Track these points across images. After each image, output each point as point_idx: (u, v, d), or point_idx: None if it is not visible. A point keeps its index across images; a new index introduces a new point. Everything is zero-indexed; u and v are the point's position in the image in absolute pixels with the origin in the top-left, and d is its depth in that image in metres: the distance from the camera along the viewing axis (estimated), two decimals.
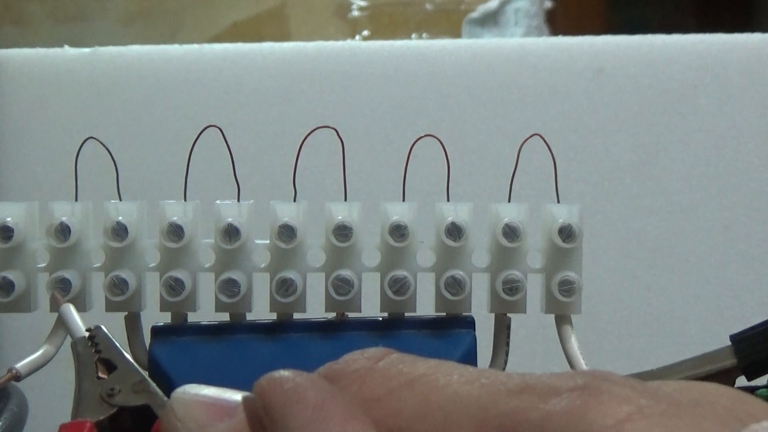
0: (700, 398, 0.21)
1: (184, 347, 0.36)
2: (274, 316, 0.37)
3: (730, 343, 0.39)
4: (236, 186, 0.37)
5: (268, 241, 0.36)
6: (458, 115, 0.77)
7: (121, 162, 0.38)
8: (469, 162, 0.76)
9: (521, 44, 0.79)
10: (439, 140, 0.37)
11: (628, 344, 0.75)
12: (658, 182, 0.76)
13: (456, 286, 0.36)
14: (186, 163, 0.37)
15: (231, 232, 0.36)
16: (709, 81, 0.76)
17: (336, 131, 0.36)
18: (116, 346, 0.33)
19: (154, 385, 0.32)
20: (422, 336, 0.37)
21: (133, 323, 0.37)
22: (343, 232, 0.36)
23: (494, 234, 0.36)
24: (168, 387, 0.33)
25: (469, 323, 0.37)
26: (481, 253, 0.37)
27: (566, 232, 0.36)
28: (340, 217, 0.36)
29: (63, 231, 0.36)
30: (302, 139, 0.36)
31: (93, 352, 0.33)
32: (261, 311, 0.37)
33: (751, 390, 0.38)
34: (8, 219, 0.36)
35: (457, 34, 1.03)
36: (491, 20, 1.02)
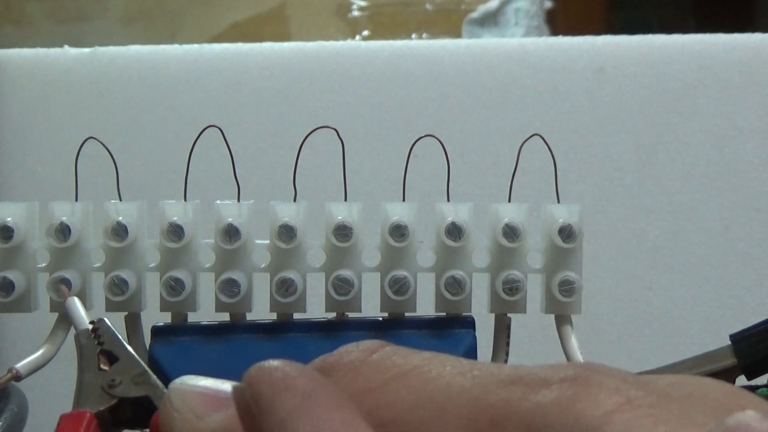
0: (693, 392, 0.21)
1: (184, 347, 0.36)
2: (274, 316, 0.37)
3: (730, 342, 0.39)
4: (236, 186, 0.37)
5: (268, 241, 0.36)
6: (458, 115, 0.77)
7: (121, 162, 0.38)
8: (469, 162, 0.76)
9: (521, 44, 0.79)
10: (439, 140, 0.37)
11: (628, 344, 0.75)
12: (658, 182, 0.76)
13: (456, 286, 0.36)
14: (186, 163, 0.37)
15: (231, 232, 0.36)
16: (709, 81, 0.76)
17: (336, 131, 0.36)
18: (119, 338, 0.33)
19: (154, 377, 0.32)
20: (422, 336, 0.37)
21: (133, 323, 0.37)
22: (343, 232, 0.36)
23: (494, 234, 0.36)
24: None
25: (469, 323, 0.37)
26: (481, 253, 0.37)
27: (566, 232, 0.36)
28: (340, 217, 0.36)
29: (63, 231, 0.36)
30: (302, 139, 0.36)
31: (96, 344, 0.33)
32: (261, 311, 0.37)
33: (751, 389, 0.38)
34: (8, 219, 0.36)
35: (457, 34, 1.03)
36: (491, 20, 1.02)
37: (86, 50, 0.80)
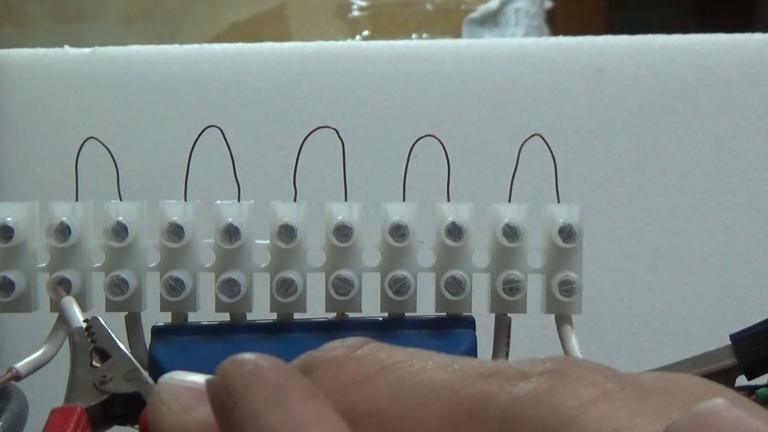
0: (671, 387, 0.21)
1: (185, 347, 0.36)
2: (274, 316, 0.37)
3: (730, 342, 0.39)
4: (236, 186, 0.37)
5: (268, 241, 0.36)
6: (458, 115, 0.77)
7: (121, 162, 0.38)
8: (469, 162, 0.76)
9: (521, 44, 0.79)
10: (439, 140, 0.37)
11: (628, 344, 0.75)
12: (658, 182, 0.76)
13: (456, 286, 0.36)
14: (186, 163, 0.37)
15: (231, 232, 0.36)
16: (709, 81, 0.76)
17: (336, 131, 0.36)
18: (111, 336, 0.33)
19: (145, 373, 0.32)
20: (422, 336, 0.37)
21: (133, 323, 0.37)
22: (343, 232, 0.36)
23: (494, 234, 0.36)
24: None
25: (470, 323, 0.37)
26: (482, 253, 0.37)
27: (566, 232, 0.36)
28: (340, 217, 0.36)
29: (63, 231, 0.36)
30: (302, 139, 0.36)
31: (89, 341, 0.33)
32: (261, 311, 0.37)
33: (751, 389, 0.38)
34: (8, 219, 0.36)
35: (457, 34, 1.03)
36: (491, 20, 1.02)
37: (86, 50, 0.80)
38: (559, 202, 0.37)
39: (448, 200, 0.37)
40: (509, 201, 0.37)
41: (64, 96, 0.80)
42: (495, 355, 0.37)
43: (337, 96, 0.78)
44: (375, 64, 0.78)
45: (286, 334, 0.36)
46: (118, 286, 0.36)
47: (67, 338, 0.34)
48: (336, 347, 0.23)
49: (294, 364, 0.23)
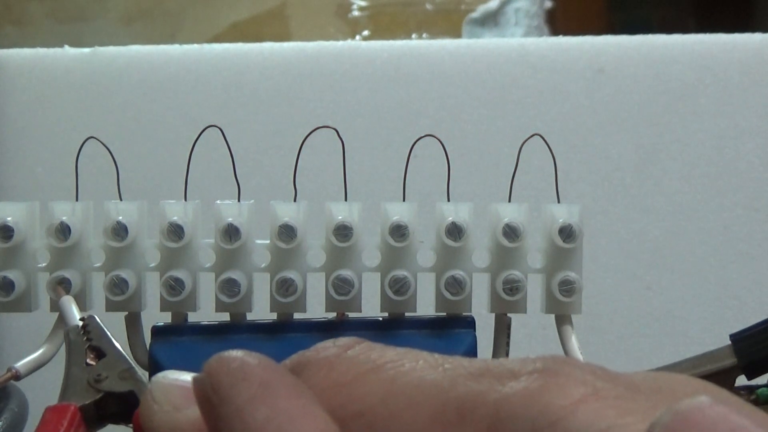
0: (662, 386, 0.21)
1: (184, 347, 0.36)
2: (274, 316, 0.37)
3: (730, 342, 0.39)
4: (236, 186, 0.37)
5: (268, 241, 0.36)
6: (458, 115, 0.77)
7: (121, 162, 0.38)
8: (469, 162, 0.76)
9: (521, 44, 0.79)
10: (439, 140, 0.37)
11: (628, 344, 0.75)
12: (658, 182, 0.76)
13: (456, 286, 0.36)
14: (186, 163, 0.37)
15: (231, 232, 0.36)
16: (709, 81, 0.76)
17: (336, 131, 0.36)
18: (107, 334, 0.33)
19: (140, 372, 0.33)
20: (422, 336, 0.37)
21: (133, 323, 0.37)
22: (343, 232, 0.36)
23: (494, 234, 0.36)
24: None
25: (470, 323, 0.37)
26: (482, 253, 0.37)
27: (566, 232, 0.36)
28: (340, 217, 0.36)
29: (63, 231, 0.36)
30: (302, 139, 0.36)
31: (84, 339, 0.33)
32: (261, 311, 0.37)
33: (751, 389, 0.38)
34: (8, 219, 0.36)
35: (457, 34, 1.03)
36: (491, 20, 1.02)
37: (86, 50, 0.80)
38: (559, 202, 0.37)
39: (448, 200, 0.37)
40: (509, 201, 0.37)
41: (64, 96, 0.80)
42: (495, 355, 0.37)
43: (337, 96, 0.78)
44: (375, 64, 0.78)
45: (286, 334, 0.36)
46: (118, 285, 0.36)
47: (64, 336, 0.34)
48: (327, 347, 0.23)
49: (286, 363, 0.23)
